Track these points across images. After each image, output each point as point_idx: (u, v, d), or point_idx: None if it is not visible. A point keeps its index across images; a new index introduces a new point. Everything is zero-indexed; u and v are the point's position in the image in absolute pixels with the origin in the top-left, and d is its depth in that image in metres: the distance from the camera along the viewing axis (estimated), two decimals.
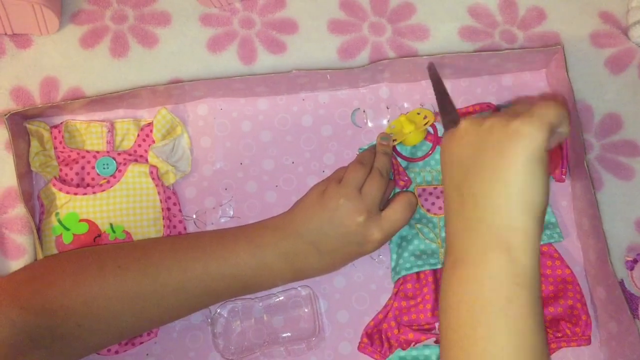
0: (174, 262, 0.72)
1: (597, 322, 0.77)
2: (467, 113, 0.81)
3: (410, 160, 0.81)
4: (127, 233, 0.81)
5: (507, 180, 0.53)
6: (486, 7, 0.85)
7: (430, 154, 0.81)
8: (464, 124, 0.62)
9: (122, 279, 0.71)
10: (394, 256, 0.79)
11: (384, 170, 0.75)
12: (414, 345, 0.76)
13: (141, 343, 0.80)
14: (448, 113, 0.70)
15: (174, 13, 0.86)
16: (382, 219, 0.73)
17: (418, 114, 0.80)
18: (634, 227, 0.78)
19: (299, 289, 0.79)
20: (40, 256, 0.79)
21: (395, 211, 0.74)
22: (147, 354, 0.80)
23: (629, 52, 0.82)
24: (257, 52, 0.85)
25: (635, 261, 0.76)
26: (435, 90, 0.74)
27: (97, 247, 0.78)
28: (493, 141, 0.54)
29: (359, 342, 0.78)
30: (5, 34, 0.85)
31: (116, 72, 0.84)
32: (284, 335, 0.78)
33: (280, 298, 0.79)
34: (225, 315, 0.79)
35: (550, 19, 0.83)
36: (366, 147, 0.82)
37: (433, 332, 0.76)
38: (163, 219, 0.81)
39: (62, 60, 0.85)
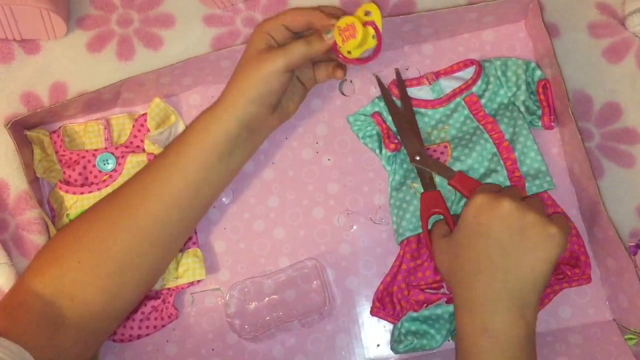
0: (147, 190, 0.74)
1: (597, 261, 0.79)
2: (451, 71, 0.83)
3: (355, 62, 0.76)
4: None
5: (537, 269, 0.66)
6: None
7: (374, 58, 0.76)
8: (507, 204, 0.68)
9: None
10: (394, 218, 0.81)
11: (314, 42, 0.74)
12: (425, 307, 0.77)
13: (163, 326, 0.82)
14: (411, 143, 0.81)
15: (177, 15, 0.87)
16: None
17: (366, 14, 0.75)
18: (636, 213, 0.79)
19: (305, 261, 0.81)
20: None
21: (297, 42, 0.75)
22: (167, 341, 0.83)
23: (627, 41, 0.83)
24: None
25: (638, 246, 0.76)
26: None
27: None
28: (533, 236, 0.66)
29: (372, 307, 0.80)
30: (14, 39, 0.87)
31: (123, 75, 0.84)
32: (297, 309, 0.80)
33: (288, 272, 0.81)
34: (237, 296, 0.81)
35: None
36: (353, 115, 0.84)
37: (442, 291, 0.78)
38: None
39: (70, 65, 0.87)
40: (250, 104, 0.73)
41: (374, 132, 0.83)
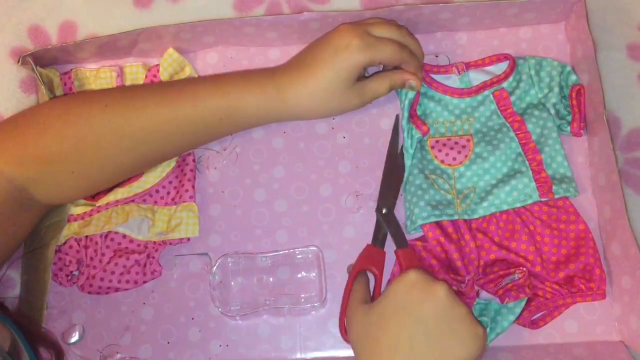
0: (162, 98, 0.72)
1: (610, 279, 0.74)
2: (482, 64, 0.80)
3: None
4: None
5: None
6: None
7: None
8: (443, 289, 0.63)
9: (109, 116, 0.71)
10: (407, 204, 0.77)
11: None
12: None
13: (144, 282, 0.77)
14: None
15: None
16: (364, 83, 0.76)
17: None
18: None
19: (308, 247, 0.76)
20: None
21: (376, 82, 0.76)
22: (144, 303, 0.78)
23: None
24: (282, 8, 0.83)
25: None
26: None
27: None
28: (462, 331, 0.63)
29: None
30: None
31: (137, 22, 0.81)
32: (288, 295, 0.75)
33: (287, 255, 0.76)
34: (226, 266, 0.76)
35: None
36: None
37: (462, 285, 0.73)
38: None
39: (83, 4, 0.84)
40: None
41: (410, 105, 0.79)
